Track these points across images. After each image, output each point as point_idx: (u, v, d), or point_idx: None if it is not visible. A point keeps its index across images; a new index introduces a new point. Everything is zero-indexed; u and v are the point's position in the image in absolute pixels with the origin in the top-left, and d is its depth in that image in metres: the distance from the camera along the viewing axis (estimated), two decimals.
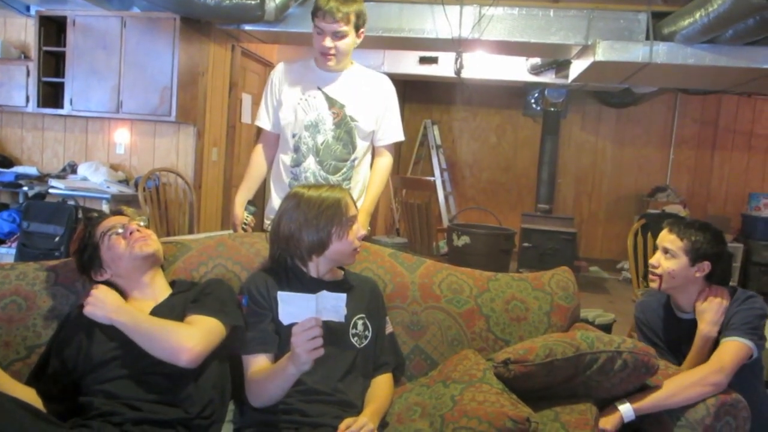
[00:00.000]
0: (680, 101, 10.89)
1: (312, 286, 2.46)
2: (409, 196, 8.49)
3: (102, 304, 2.26)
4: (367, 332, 2.53)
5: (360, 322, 2.52)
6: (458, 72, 8.65)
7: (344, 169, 3.43)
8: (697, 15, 5.39)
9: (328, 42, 3.29)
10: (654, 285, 2.99)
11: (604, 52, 6.10)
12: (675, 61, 6.04)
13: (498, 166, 11.80)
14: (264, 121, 3.58)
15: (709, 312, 2.86)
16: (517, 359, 2.39)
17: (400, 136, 3.66)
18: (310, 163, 3.39)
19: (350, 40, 3.34)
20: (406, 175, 11.37)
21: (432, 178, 10.36)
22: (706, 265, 2.91)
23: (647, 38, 6.11)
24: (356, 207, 2.61)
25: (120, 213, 2.57)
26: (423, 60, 9.29)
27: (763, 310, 2.81)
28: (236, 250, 2.84)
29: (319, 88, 3.43)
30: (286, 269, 2.57)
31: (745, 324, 2.73)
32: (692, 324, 2.92)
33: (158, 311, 2.38)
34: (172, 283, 2.59)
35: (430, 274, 2.97)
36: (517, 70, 9.19)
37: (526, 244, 9.04)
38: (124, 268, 2.44)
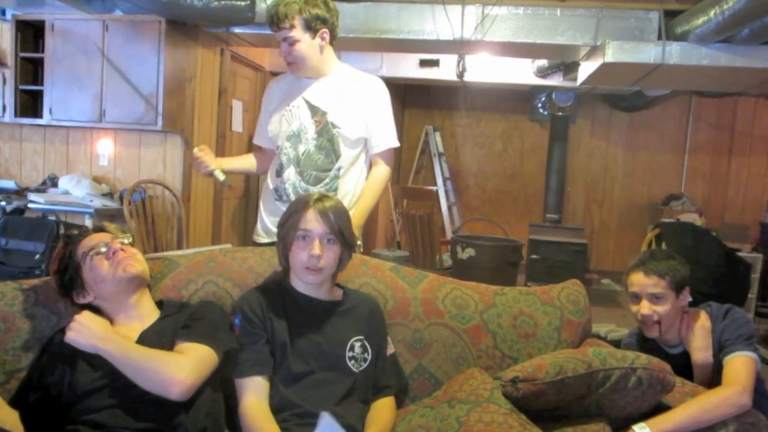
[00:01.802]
0: (695, 104, 10.91)
1: (304, 304, 2.51)
2: (410, 206, 8.51)
3: (87, 330, 2.23)
4: (366, 354, 2.52)
5: (357, 344, 2.52)
6: (461, 75, 8.66)
7: (326, 180, 3.42)
8: (712, 13, 5.39)
9: (284, 49, 3.35)
10: (653, 334, 2.99)
11: (614, 53, 6.11)
12: (689, 61, 6.04)
13: (504, 174, 11.81)
14: (258, 136, 3.68)
15: (697, 339, 2.88)
16: (525, 377, 2.39)
17: (393, 143, 3.61)
18: (290, 174, 3.41)
19: (305, 45, 3.35)
20: (406, 184, 11.38)
21: (434, 188, 10.37)
22: (686, 291, 2.96)
23: (659, 38, 6.11)
24: (321, 222, 2.52)
25: (102, 230, 2.54)
26: (423, 63, 9.29)
27: (747, 318, 2.86)
28: (227, 266, 2.84)
29: (303, 97, 3.46)
30: (280, 287, 2.58)
31: (740, 336, 2.76)
32: (684, 356, 2.94)
33: (146, 337, 2.35)
34: (159, 303, 2.57)
35: (433, 289, 2.98)
36: (523, 72, 9.20)
37: (534, 257, 9.04)
38: (108, 291, 2.41)
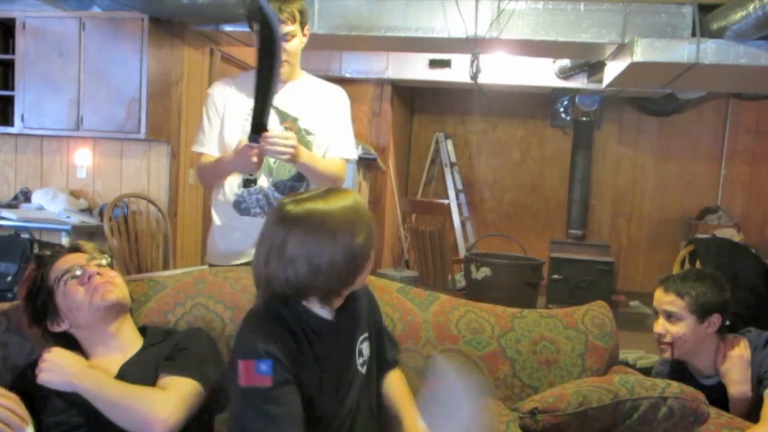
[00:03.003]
0: (732, 108, 10.90)
1: (324, 328, 2.25)
2: (420, 221, 8.50)
3: (60, 368, 2.22)
4: (369, 350, 2.43)
5: (365, 345, 2.39)
6: (474, 77, 8.68)
7: (301, 190, 3.43)
8: (751, 7, 5.39)
9: None
10: (666, 355, 3.03)
11: (643, 52, 6.12)
12: (725, 61, 6.05)
13: (522, 185, 11.81)
14: (205, 145, 3.51)
15: (734, 370, 2.90)
16: (545, 408, 2.39)
17: (352, 154, 3.64)
18: (262, 184, 3.41)
19: (298, 41, 3.41)
20: (415, 197, 11.39)
21: (446, 201, 10.35)
22: (716, 318, 2.96)
23: (693, 35, 6.13)
24: None
25: (78, 249, 2.51)
26: (433, 63, 9.34)
27: None
28: (218, 287, 2.84)
29: None
30: (292, 312, 2.24)
31: None
32: (719, 388, 2.95)
33: (127, 370, 2.34)
34: (143, 330, 2.55)
35: (445, 312, 2.98)
36: (543, 74, 9.23)
37: (555, 276, 9.05)
38: (84, 320, 2.38)
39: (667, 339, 2.98)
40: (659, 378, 2.95)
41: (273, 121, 3.39)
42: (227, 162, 3.31)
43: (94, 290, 2.37)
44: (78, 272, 2.39)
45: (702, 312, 2.93)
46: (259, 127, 3.09)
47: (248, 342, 2.14)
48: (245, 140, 3.12)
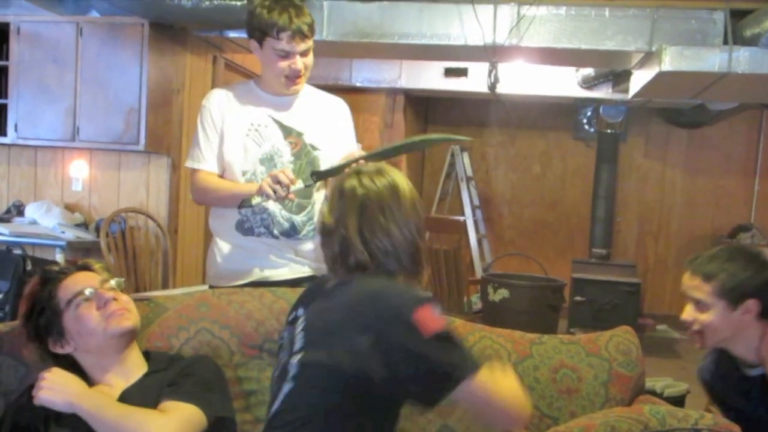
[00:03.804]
0: (766, 119, 10.88)
1: None
2: (434, 240, 8.49)
3: (60, 387, 2.23)
4: None
5: None
6: (492, 87, 8.68)
7: (308, 208, 3.47)
8: None
9: (300, 63, 3.35)
10: (697, 345, 2.92)
11: (672, 60, 6.10)
12: (759, 70, 6.02)
13: (543, 201, 11.79)
14: (203, 161, 3.52)
15: None
16: None
17: None
18: (270, 203, 3.39)
19: (312, 55, 3.43)
20: (429, 214, 11.37)
21: (461, 218, 10.35)
22: (752, 304, 2.76)
23: (725, 42, 6.10)
24: None
25: (87, 268, 2.52)
26: (449, 72, 9.34)
27: None
28: (222, 312, 2.85)
29: (270, 116, 3.47)
30: None
31: None
32: (764, 379, 2.83)
33: (128, 395, 2.35)
34: (146, 354, 2.56)
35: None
36: (566, 83, 9.23)
37: (578, 298, 9.02)
38: (95, 345, 2.40)
39: (696, 327, 2.84)
40: (704, 372, 2.98)
41: (276, 136, 3.43)
42: (249, 191, 3.30)
43: (110, 316, 2.39)
44: (90, 294, 2.40)
45: (733, 297, 2.74)
46: (323, 176, 3.27)
47: (408, 295, 2.20)
48: (288, 170, 3.21)
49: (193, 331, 2.76)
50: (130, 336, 2.45)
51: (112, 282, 2.49)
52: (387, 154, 3.30)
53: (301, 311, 2.35)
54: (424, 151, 11.88)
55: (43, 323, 2.40)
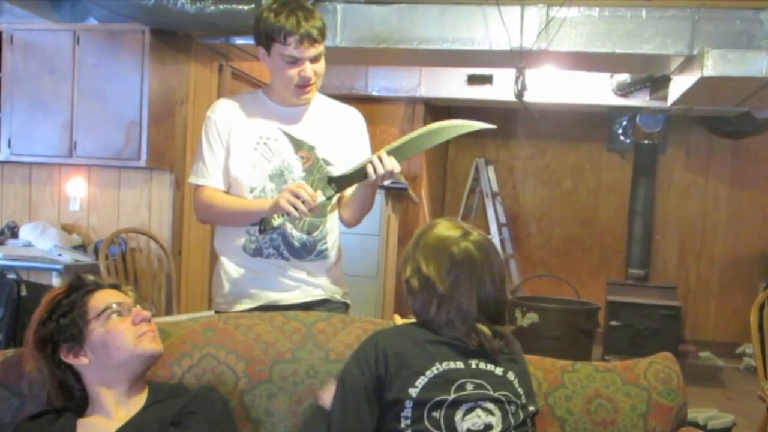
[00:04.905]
0: None
1: None
2: None
3: None
4: None
5: None
6: (520, 95, 8.68)
7: (321, 227, 3.46)
8: None
9: (310, 70, 3.33)
10: None
11: (714, 65, 6.08)
12: None
13: (575, 218, 11.78)
14: (207, 176, 3.49)
15: None
16: None
17: None
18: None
19: (323, 61, 3.42)
20: None
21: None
22: None
23: None
24: None
25: (117, 288, 2.54)
26: (472, 79, 9.35)
27: None
28: (229, 336, 2.83)
29: (280, 128, 3.45)
30: None
31: None
32: None
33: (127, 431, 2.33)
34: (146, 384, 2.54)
35: None
36: (599, 91, 9.21)
37: (613, 323, 8.99)
38: (117, 362, 2.38)
39: None
40: None
41: (286, 150, 3.42)
42: (261, 208, 3.30)
43: (142, 335, 2.41)
44: (125, 309, 2.43)
45: None
46: (344, 184, 3.26)
47: None
48: (305, 184, 3.18)
49: (197, 357, 2.74)
50: (153, 362, 2.46)
51: (145, 310, 2.50)
52: (405, 150, 3.27)
53: None
54: (445, 165, 11.88)
55: (64, 325, 2.37)
